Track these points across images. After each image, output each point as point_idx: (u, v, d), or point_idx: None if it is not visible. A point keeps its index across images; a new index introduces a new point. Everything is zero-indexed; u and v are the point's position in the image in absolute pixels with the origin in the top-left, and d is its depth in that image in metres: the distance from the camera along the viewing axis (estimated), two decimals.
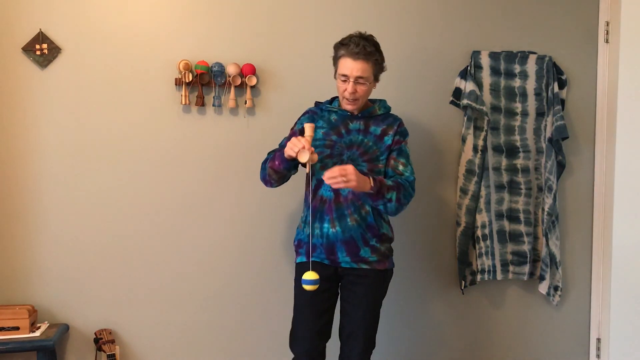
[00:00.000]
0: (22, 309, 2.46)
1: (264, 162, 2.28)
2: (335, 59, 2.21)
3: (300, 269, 2.26)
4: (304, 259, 2.24)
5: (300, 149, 2.02)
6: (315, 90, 2.67)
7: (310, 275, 2.04)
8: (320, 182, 2.20)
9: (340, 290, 2.30)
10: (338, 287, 2.30)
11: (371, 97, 2.36)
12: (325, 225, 2.20)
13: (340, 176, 2.00)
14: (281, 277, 2.74)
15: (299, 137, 2.06)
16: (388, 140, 2.25)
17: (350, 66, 2.13)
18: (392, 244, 2.33)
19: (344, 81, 2.17)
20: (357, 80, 2.15)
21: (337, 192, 2.20)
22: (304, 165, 2.08)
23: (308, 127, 2.07)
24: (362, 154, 2.22)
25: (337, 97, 2.32)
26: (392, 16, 2.82)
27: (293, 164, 2.18)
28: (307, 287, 2.05)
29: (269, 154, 2.32)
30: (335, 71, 2.22)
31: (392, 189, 2.13)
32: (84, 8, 2.60)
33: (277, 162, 2.16)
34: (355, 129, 2.24)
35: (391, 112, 2.35)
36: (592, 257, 2.99)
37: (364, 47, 2.12)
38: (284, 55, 2.73)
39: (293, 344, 2.27)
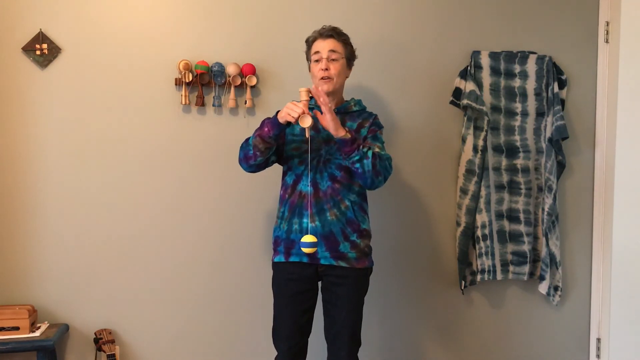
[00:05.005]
0: (22, 309, 2.46)
1: (244, 142, 2.24)
2: (308, 48, 2.31)
3: (278, 268, 2.28)
4: (282, 259, 2.25)
5: (300, 113, 2.05)
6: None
7: (308, 238, 2.06)
8: (299, 177, 2.23)
9: (322, 292, 2.30)
10: (318, 286, 2.31)
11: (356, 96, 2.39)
12: (305, 220, 2.20)
13: (324, 102, 2.06)
14: None
15: (295, 102, 2.08)
16: (364, 132, 2.28)
17: (322, 44, 2.24)
18: (371, 241, 2.32)
19: (317, 60, 2.24)
20: (330, 56, 2.22)
21: (316, 186, 2.21)
22: (303, 130, 2.12)
23: (304, 92, 2.09)
24: (340, 148, 2.23)
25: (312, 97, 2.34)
26: (392, 16, 2.82)
27: (281, 133, 2.17)
28: (305, 250, 2.07)
29: (242, 144, 2.28)
30: (310, 62, 2.30)
31: (369, 148, 2.14)
32: (84, 8, 2.61)
33: (266, 129, 2.14)
34: None
35: (366, 110, 2.39)
36: (592, 257, 3.00)
37: (333, 28, 2.28)
38: (284, 55, 2.73)
39: (276, 341, 2.29)
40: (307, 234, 2.13)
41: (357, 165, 2.13)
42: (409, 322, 2.91)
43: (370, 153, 2.12)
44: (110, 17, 2.63)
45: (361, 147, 2.12)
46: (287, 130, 2.26)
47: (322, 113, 2.10)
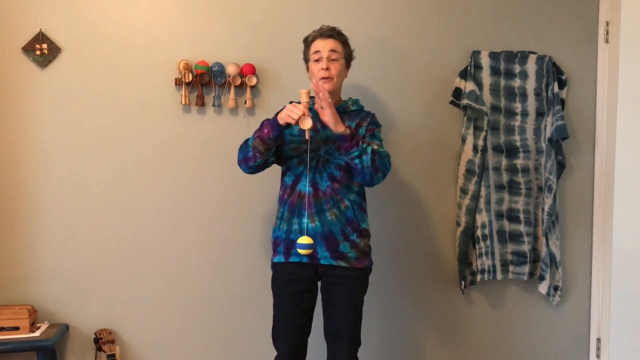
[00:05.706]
0: (22, 309, 2.46)
1: (243, 144, 2.24)
2: (307, 47, 2.30)
3: (277, 268, 2.28)
4: (282, 259, 2.25)
5: (301, 115, 2.05)
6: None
7: (305, 239, 2.07)
8: (298, 177, 2.23)
9: (321, 292, 2.30)
10: (318, 286, 2.31)
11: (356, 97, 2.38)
12: (304, 220, 2.20)
13: (325, 97, 2.06)
14: None
15: (295, 104, 2.08)
16: (362, 131, 2.28)
17: (322, 44, 2.24)
18: (371, 241, 2.32)
19: (317, 60, 2.24)
20: (330, 56, 2.23)
21: (315, 186, 2.21)
22: (302, 131, 2.12)
23: (304, 94, 2.09)
24: (339, 147, 2.23)
25: (312, 97, 2.33)
26: (392, 16, 2.82)
27: (280, 134, 2.17)
28: (302, 252, 2.08)
29: (242, 145, 2.28)
30: (308, 61, 2.30)
31: (368, 144, 2.15)
32: (84, 8, 2.61)
33: (266, 131, 2.14)
34: None
35: (364, 109, 2.39)
36: (592, 257, 3.00)
37: (332, 28, 2.28)
38: (284, 55, 2.74)
39: (276, 341, 2.29)
40: (306, 234, 2.13)
41: (357, 161, 2.13)
42: (409, 322, 2.91)
43: (369, 149, 2.13)
44: (110, 17, 2.63)
45: (360, 143, 2.13)
46: (285, 130, 2.26)
47: (322, 108, 2.10)
